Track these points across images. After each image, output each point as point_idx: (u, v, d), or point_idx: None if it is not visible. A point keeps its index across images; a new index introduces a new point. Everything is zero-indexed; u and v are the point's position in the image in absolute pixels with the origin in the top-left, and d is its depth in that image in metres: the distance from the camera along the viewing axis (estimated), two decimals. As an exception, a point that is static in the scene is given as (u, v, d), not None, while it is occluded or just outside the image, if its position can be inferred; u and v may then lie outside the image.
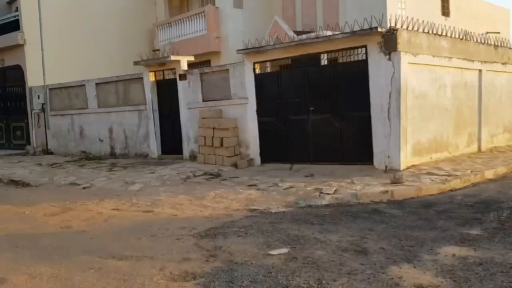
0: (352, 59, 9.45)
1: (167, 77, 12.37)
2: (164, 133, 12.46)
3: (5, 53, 16.40)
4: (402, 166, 8.65)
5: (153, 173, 9.95)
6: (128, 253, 4.80)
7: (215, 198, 7.45)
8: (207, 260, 4.46)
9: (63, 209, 7.28)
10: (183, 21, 17.02)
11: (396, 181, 7.51)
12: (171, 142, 12.25)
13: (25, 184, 9.77)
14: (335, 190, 7.32)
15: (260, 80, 10.49)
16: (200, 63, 15.51)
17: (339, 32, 9.17)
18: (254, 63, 10.48)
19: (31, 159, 13.96)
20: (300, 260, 4.33)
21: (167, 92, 12.25)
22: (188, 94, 11.69)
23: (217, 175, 9.44)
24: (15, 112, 16.68)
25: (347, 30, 8.99)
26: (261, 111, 10.45)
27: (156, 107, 12.43)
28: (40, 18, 15.26)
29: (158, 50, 17.14)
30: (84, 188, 9.06)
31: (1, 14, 19.02)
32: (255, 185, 8.28)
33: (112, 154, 13.50)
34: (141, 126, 12.74)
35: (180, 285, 3.90)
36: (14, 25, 16.12)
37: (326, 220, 5.82)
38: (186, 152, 11.84)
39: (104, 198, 7.90)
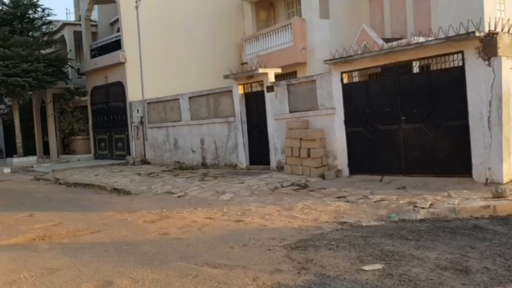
0: (446, 66, 9.00)
1: (254, 89, 12.69)
2: (252, 143, 12.76)
3: (109, 71, 17.94)
4: (505, 179, 8.03)
5: (242, 183, 10.21)
6: (222, 261, 4.97)
7: (304, 210, 7.45)
8: (298, 273, 4.47)
9: (161, 216, 7.73)
10: (270, 34, 17.34)
11: (498, 195, 6.99)
12: (259, 153, 12.51)
13: (126, 192, 10.53)
14: (431, 204, 6.97)
15: (348, 90, 10.36)
16: (286, 75, 15.68)
17: (433, 38, 8.79)
18: (341, 73, 10.38)
19: (131, 169, 15.05)
20: (395, 277, 4.19)
21: (254, 104, 12.56)
22: (275, 105, 11.88)
23: (305, 186, 9.45)
24: (117, 125, 18.15)
25: (441, 35, 8.59)
26: (349, 121, 10.31)
27: (244, 118, 12.78)
28: (139, 38, 16.47)
29: (246, 63, 17.61)
30: (179, 196, 9.55)
31: (105, 34, 20.89)
32: (344, 197, 8.16)
33: (203, 164, 14.08)
34: (230, 137, 13.16)
35: (273, 296, 3.96)
36: (116, 45, 17.58)
37: (422, 236, 5.57)
38: (273, 162, 12.00)
39: (197, 207, 8.27)
